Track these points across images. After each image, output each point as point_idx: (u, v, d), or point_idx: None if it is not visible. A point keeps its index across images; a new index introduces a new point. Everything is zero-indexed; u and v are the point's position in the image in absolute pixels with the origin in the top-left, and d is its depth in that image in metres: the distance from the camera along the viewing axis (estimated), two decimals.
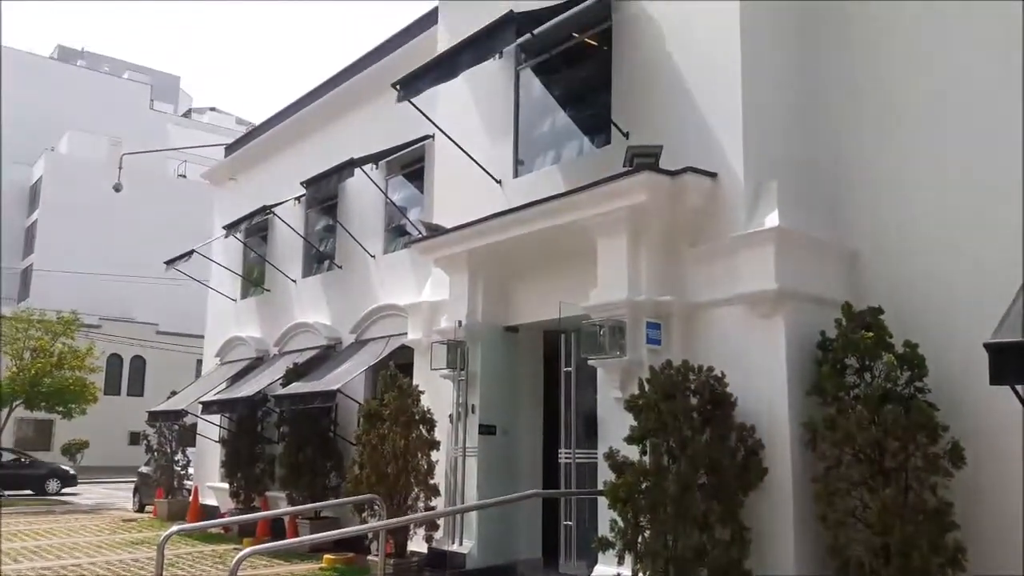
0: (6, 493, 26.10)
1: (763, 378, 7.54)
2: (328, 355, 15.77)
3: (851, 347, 7.09)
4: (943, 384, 6.94)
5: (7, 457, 30.52)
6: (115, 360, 42.71)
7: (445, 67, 10.07)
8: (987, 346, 5.69)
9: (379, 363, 13.25)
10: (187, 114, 64.29)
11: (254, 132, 21.93)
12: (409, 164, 14.81)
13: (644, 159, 8.26)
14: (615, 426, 8.04)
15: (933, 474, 6.53)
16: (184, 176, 51.41)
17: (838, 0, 8.73)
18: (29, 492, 28.34)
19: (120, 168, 27.21)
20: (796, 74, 8.82)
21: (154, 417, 20.57)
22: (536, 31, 9.74)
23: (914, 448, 6.56)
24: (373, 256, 15.31)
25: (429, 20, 13.93)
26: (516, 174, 10.89)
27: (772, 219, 7.77)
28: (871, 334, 7.02)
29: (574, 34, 10.20)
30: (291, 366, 15.60)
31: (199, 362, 28.65)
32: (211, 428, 18.75)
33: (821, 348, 7.38)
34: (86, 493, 29.23)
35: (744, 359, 7.70)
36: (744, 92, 8.24)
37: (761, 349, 7.64)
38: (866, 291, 7.79)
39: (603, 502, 7.68)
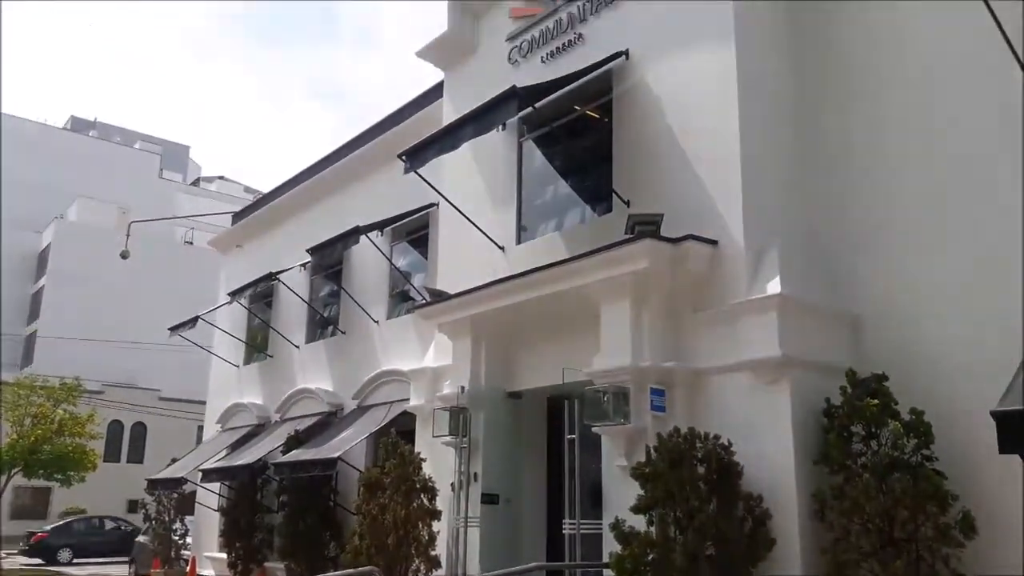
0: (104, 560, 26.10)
1: (769, 445, 7.46)
2: (330, 421, 15.64)
3: (856, 415, 7.04)
4: (950, 451, 6.85)
5: (109, 525, 30.46)
6: (116, 426, 42.33)
7: (449, 138, 10.28)
8: (994, 414, 5.64)
9: (381, 430, 13.12)
10: (196, 182, 65.25)
11: (261, 200, 22.26)
12: (414, 231, 14.97)
13: (645, 227, 8.35)
14: (620, 495, 7.92)
15: (945, 545, 6.40)
16: (191, 243, 51.90)
17: (836, 67, 8.94)
18: (126, 559, 27.92)
19: (128, 235, 27.48)
20: (795, 140, 8.98)
21: (153, 485, 20.28)
22: (538, 104, 9.97)
23: (924, 518, 6.46)
24: (376, 322, 15.33)
25: (435, 93, 14.28)
26: (519, 241, 11.00)
27: (774, 286, 7.81)
28: (876, 401, 6.98)
29: (575, 107, 10.44)
30: (292, 433, 15.45)
31: (200, 428, 28.38)
32: (210, 496, 18.48)
33: (826, 415, 7.32)
34: (80, 562, 28.61)
35: (749, 426, 7.63)
36: (743, 160, 8.39)
37: (766, 416, 7.57)
38: (869, 357, 7.76)
39: (609, 574, 7.50)
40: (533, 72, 11.03)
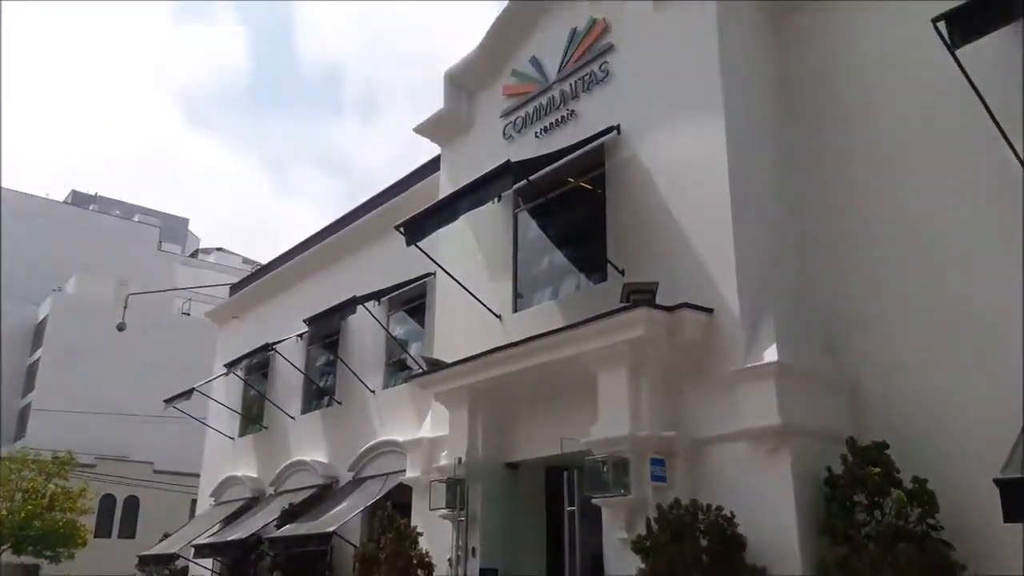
0: None
1: (771, 516, 7.35)
2: (325, 494, 15.37)
3: (859, 484, 6.97)
4: (955, 520, 6.76)
5: None
6: (108, 500, 41.45)
7: (447, 211, 10.45)
8: (998, 482, 5.60)
9: (376, 503, 12.92)
10: (194, 254, 65.59)
11: (259, 272, 22.40)
12: (411, 300, 15.02)
13: (641, 295, 8.42)
14: (622, 569, 7.78)
15: None
16: (188, 314, 51.85)
17: (826, 133, 9.12)
18: None
19: (125, 308, 27.49)
20: (787, 208, 9.11)
21: (144, 562, 19.84)
22: (532, 177, 10.16)
23: None
24: (373, 391, 15.24)
25: (432, 166, 14.54)
26: (516, 309, 11.03)
27: (771, 353, 7.81)
28: (878, 470, 6.91)
29: (569, 179, 10.62)
30: (286, 506, 15.19)
31: (194, 502, 27.83)
32: (203, 572, 18.02)
33: (828, 484, 7.24)
34: None
35: (751, 496, 7.53)
36: (736, 228, 8.50)
37: (768, 486, 7.49)
38: (869, 424, 7.72)
39: None
40: (527, 147, 11.27)
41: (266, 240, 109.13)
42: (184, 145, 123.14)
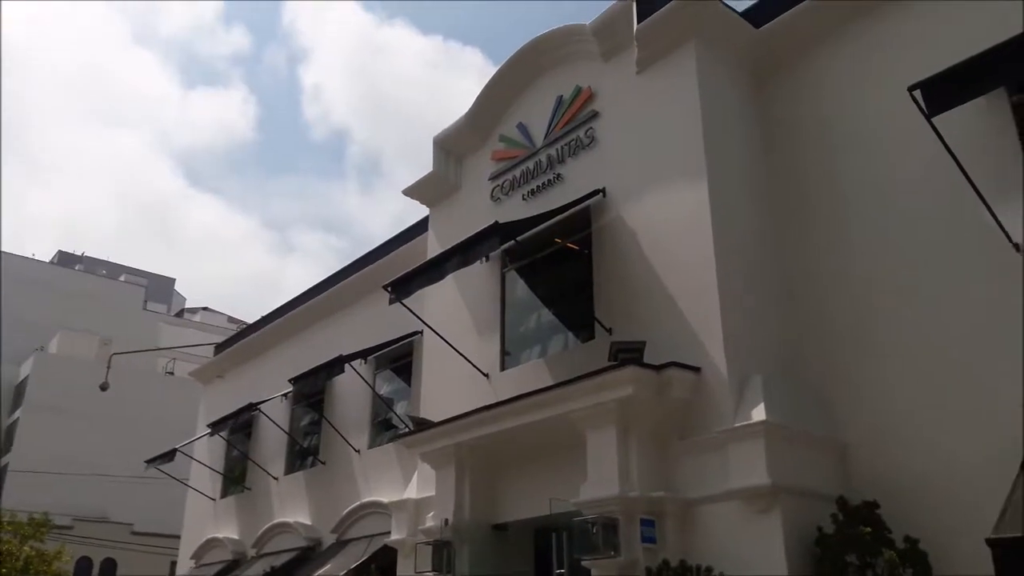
0: None
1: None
2: (308, 557, 15.05)
3: (850, 544, 6.92)
4: None
5: None
6: (84, 564, 40.24)
7: (435, 270, 10.53)
8: (989, 542, 5.59)
9: (360, 566, 12.63)
10: (180, 314, 65.26)
11: (245, 331, 22.29)
12: (397, 359, 14.98)
13: (628, 354, 8.45)
14: None
15: None
16: (172, 374, 51.33)
17: (808, 194, 9.30)
18: None
19: (108, 367, 27.19)
20: (773, 266, 9.24)
21: None
22: (520, 238, 10.27)
23: None
24: (358, 451, 15.06)
25: (420, 227, 14.69)
26: (503, 367, 11.03)
27: (759, 412, 7.82)
28: (869, 529, 6.88)
29: (556, 240, 10.73)
30: (268, 570, 14.83)
31: (173, 564, 27.11)
32: None
33: (819, 544, 7.18)
34: None
35: (741, 556, 7.44)
36: (720, 289, 8.58)
37: (758, 546, 7.41)
38: (858, 484, 7.71)
39: None
40: (515, 208, 11.43)
41: (262, 301, 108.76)
42: (184, 207, 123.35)
